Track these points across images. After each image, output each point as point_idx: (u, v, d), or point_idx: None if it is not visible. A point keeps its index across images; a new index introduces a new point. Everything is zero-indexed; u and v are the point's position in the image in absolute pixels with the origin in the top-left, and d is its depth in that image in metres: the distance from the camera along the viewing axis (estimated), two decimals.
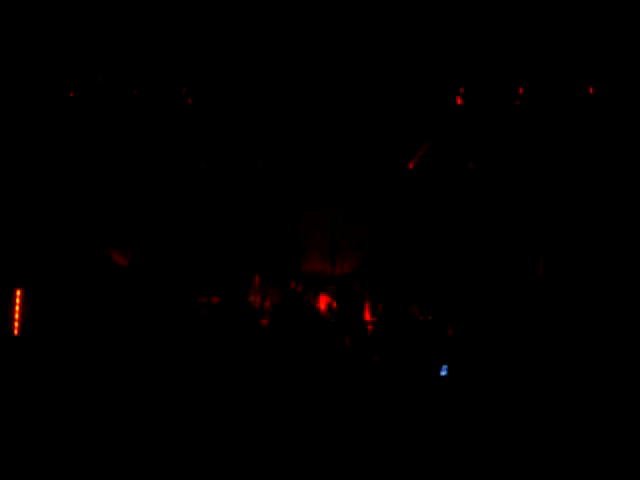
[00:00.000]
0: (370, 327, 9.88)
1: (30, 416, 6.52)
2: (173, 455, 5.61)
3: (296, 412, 6.64)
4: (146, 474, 5.35)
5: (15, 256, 8.87)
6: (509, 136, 9.64)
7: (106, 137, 10.03)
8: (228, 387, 7.06)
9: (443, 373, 8.12)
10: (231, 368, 7.47)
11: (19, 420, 6.41)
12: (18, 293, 8.55)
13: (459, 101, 9.67)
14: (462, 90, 9.66)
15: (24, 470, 5.39)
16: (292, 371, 7.45)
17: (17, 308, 8.56)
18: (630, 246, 8.70)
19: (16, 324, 8.55)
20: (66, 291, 8.74)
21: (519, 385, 7.43)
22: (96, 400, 6.89)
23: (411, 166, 10.52)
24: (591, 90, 8.93)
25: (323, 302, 10.31)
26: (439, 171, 10.45)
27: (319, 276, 11.30)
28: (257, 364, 7.68)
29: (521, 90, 9.40)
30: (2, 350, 8.24)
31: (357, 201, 11.33)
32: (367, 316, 10.04)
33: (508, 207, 10.04)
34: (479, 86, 9.53)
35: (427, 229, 10.77)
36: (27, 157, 9.40)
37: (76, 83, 9.73)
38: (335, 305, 10.09)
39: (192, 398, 6.87)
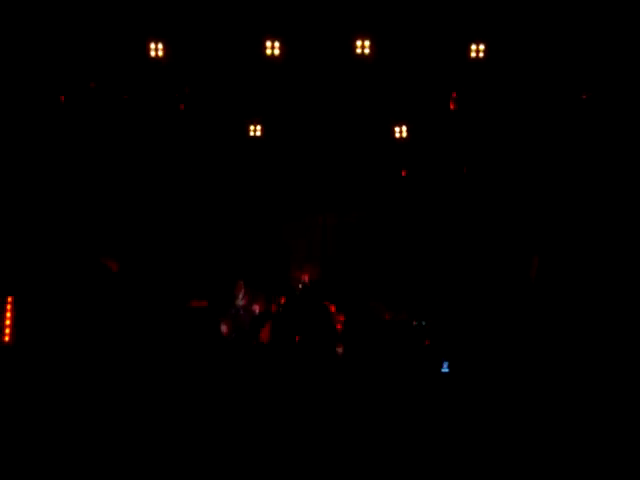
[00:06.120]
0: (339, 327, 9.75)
1: (23, 424, 6.44)
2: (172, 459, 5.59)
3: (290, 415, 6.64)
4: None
5: (5, 263, 8.75)
6: (503, 139, 9.65)
7: (96, 142, 9.95)
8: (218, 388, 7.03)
9: (444, 369, 8.11)
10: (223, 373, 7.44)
11: (11, 429, 6.33)
12: (9, 300, 8.45)
13: (452, 106, 9.70)
14: (455, 95, 9.69)
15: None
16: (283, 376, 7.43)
17: (8, 315, 8.44)
18: (628, 249, 8.70)
19: (7, 331, 8.43)
20: (57, 297, 8.63)
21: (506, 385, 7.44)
22: (91, 408, 6.82)
23: None
24: (584, 96, 9.00)
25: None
26: (431, 174, 10.46)
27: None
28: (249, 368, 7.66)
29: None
30: None
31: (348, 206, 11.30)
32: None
33: (499, 208, 10.04)
34: (473, 90, 9.56)
35: (414, 231, 10.75)
36: (17, 162, 9.29)
37: (68, 88, 9.66)
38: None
39: (188, 403, 6.83)
